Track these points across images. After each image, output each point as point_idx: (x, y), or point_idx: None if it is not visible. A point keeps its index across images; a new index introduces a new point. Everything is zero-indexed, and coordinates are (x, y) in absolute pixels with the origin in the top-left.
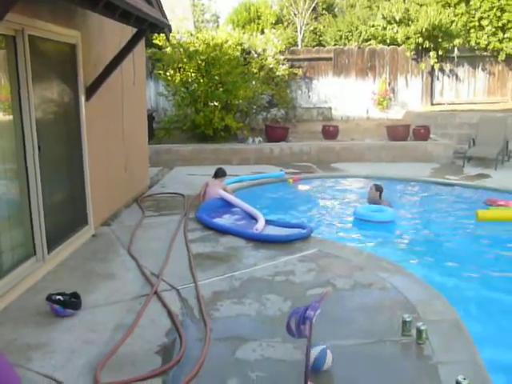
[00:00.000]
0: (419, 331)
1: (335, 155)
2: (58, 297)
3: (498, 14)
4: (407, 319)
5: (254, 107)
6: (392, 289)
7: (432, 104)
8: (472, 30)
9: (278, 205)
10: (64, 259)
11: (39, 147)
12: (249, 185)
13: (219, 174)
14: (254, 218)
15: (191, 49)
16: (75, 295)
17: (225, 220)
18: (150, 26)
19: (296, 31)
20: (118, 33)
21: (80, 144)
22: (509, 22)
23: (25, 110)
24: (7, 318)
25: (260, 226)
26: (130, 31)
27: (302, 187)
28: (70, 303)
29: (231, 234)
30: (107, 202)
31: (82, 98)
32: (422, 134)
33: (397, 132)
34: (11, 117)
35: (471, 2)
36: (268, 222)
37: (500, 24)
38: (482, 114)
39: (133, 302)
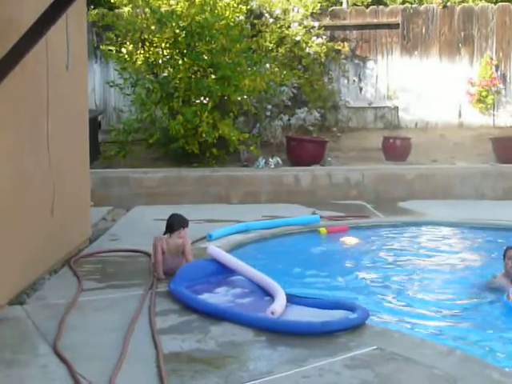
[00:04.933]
0: None
1: (405, 188)
2: None
3: None
4: None
5: (269, 107)
6: None
7: None
8: None
9: (307, 270)
10: None
11: None
12: (259, 237)
13: (172, 226)
14: (267, 293)
15: (163, 9)
16: None
17: (219, 296)
18: None
19: None
20: None
21: None
22: None
23: None
24: None
25: (278, 307)
26: None
27: (348, 241)
28: None
29: (229, 320)
30: (19, 265)
31: None
32: None
33: (511, 149)
34: None
35: None
36: (292, 300)
37: None
38: None
39: None
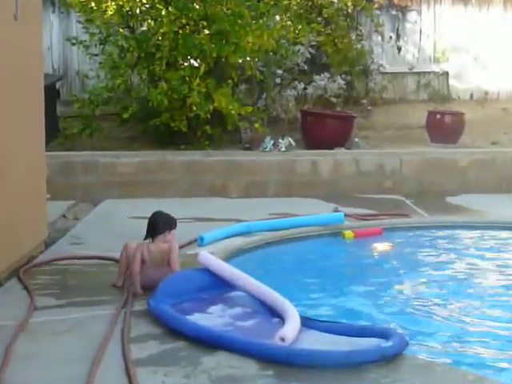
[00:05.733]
0: None
1: (457, 178)
2: None
3: None
4: None
5: (279, 72)
6: None
7: None
8: None
9: (327, 284)
10: None
11: None
12: (264, 242)
13: (155, 228)
14: (275, 314)
15: None
16: None
17: (213, 317)
18: None
19: None
20: None
21: None
22: None
23: None
24: None
25: (290, 332)
26: None
27: (382, 248)
28: None
29: (226, 349)
30: None
31: None
32: None
33: None
34: None
35: None
36: (307, 324)
37: None
38: None
39: None
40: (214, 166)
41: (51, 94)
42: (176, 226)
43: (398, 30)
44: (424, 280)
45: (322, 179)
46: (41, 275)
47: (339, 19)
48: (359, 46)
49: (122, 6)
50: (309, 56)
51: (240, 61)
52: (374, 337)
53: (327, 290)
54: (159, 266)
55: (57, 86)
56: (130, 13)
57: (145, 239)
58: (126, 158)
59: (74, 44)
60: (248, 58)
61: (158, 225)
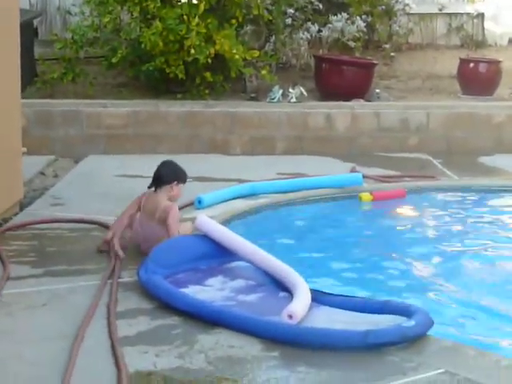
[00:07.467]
0: None
1: (491, 135)
2: None
3: None
4: None
5: (290, 11)
6: None
7: None
8: None
9: (341, 253)
10: None
11: None
12: (270, 204)
13: (163, 177)
14: (283, 288)
15: None
16: None
17: (212, 290)
18: None
19: None
20: None
21: None
22: None
23: None
24: None
25: (299, 308)
26: None
27: (404, 212)
28: None
29: (226, 326)
30: None
31: None
32: None
33: None
34: None
35: None
36: (319, 298)
37: None
38: None
39: None
40: (215, 119)
41: (28, 32)
42: (185, 180)
43: None
44: (452, 250)
45: (338, 135)
46: (15, 240)
47: None
48: None
49: None
50: None
51: None
52: (394, 314)
53: (341, 256)
54: (149, 219)
55: (34, 24)
56: None
57: (149, 188)
58: (113, 108)
59: None
60: None
61: (165, 174)
